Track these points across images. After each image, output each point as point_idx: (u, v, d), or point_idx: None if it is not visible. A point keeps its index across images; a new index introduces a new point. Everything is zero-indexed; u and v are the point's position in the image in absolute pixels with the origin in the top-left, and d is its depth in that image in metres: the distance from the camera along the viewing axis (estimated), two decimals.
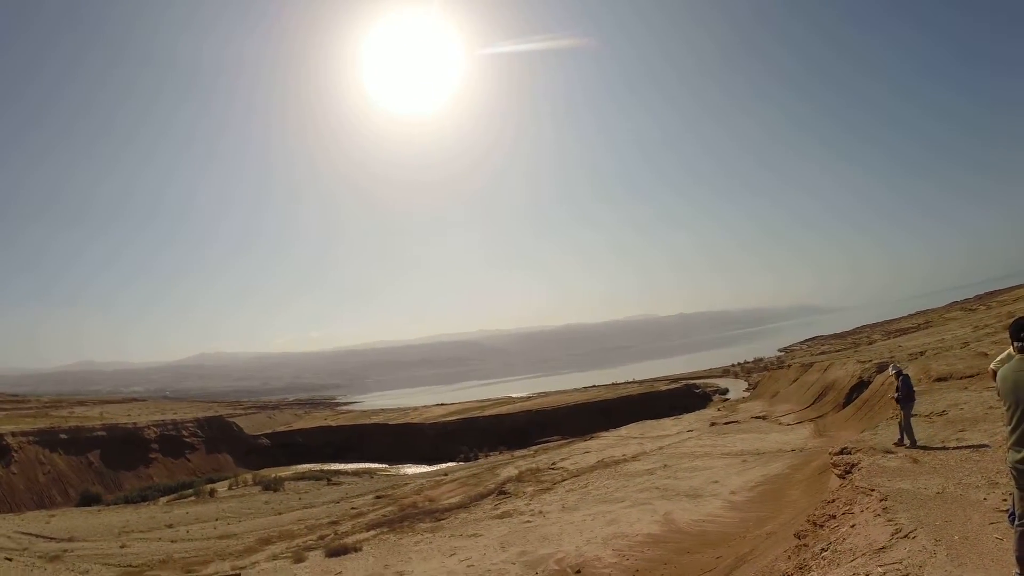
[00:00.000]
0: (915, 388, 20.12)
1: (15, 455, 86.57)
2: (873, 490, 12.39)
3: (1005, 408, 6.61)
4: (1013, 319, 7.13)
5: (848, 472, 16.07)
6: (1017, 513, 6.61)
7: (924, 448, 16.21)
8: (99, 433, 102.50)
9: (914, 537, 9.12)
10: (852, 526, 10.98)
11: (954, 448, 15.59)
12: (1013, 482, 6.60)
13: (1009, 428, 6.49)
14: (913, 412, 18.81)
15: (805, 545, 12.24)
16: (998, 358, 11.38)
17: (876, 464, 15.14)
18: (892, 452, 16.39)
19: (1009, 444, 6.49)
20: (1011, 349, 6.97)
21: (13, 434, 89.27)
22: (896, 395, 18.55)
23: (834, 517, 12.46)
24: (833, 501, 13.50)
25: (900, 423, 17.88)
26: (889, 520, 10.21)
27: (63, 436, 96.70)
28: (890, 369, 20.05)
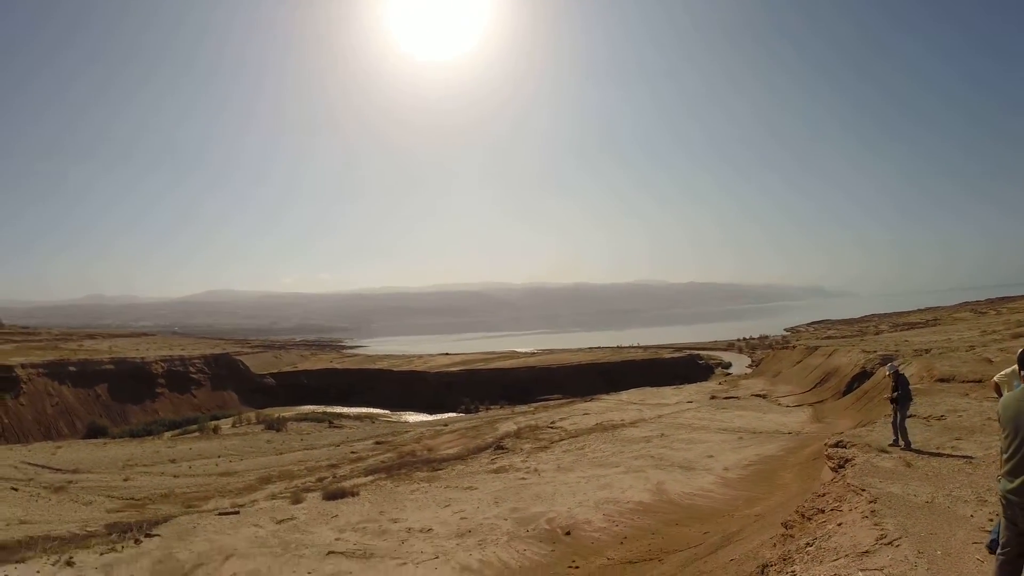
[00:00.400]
0: (917, 386, 20.21)
1: (24, 386, 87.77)
2: (864, 490, 12.52)
3: (1003, 436, 6.46)
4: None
5: (842, 467, 16.15)
6: (1000, 541, 6.55)
7: (919, 452, 16.22)
8: (107, 367, 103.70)
9: (898, 545, 9.22)
10: (839, 524, 11.12)
11: (948, 456, 15.64)
12: (1001, 510, 6.50)
13: (1004, 456, 6.40)
14: (911, 413, 18.86)
15: (791, 536, 12.38)
16: (1002, 372, 11.51)
17: (870, 463, 15.23)
18: (887, 452, 16.39)
19: (1002, 472, 6.41)
20: (1018, 373, 6.95)
21: (23, 366, 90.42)
22: (892, 395, 18.34)
23: (823, 511, 12.58)
24: (824, 495, 13.61)
25: (893, 423, 17.94)
26: (876, 524, 10.33)
27: (72, 369, 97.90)
28: (887, 368, 19.73)
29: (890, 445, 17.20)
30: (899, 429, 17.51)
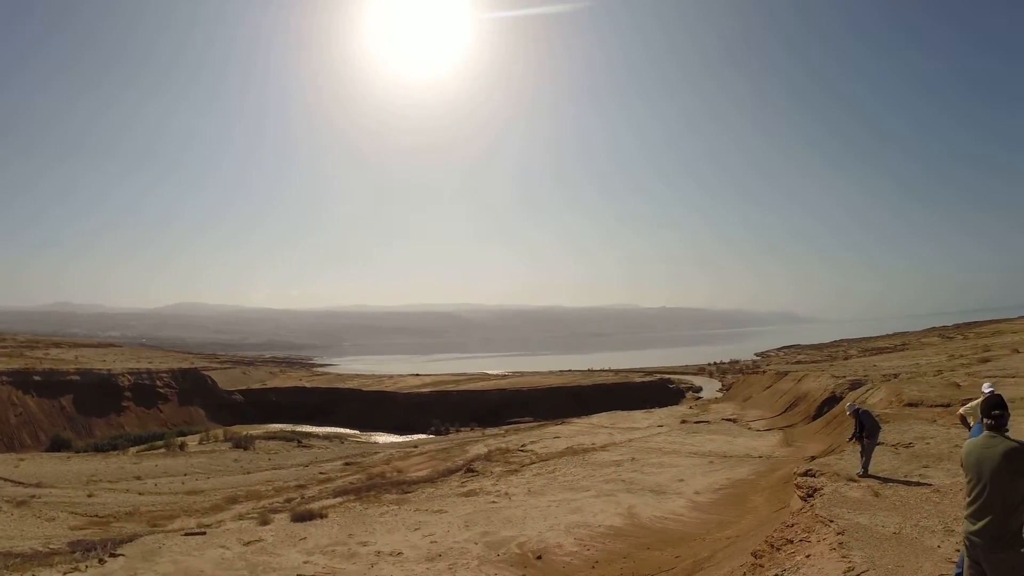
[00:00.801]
0: (886, 411, 20.28)
1: None
2: (832, 521, 12.58)
3: (966, 480, 6.77)
4: (987, 394, 7.33)
5: (810, 496, 16.18)
6: None
7: (886, 480, 16.32)
8: (73, 377, 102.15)
9: None
10: (807, 556, 11.16)
11: (916, 485, 15.76)
12: (964, 550, 6.82)
13: (968, 500, 6.67)
14: (879, 440, 19.00)
15: (760, 566, 12.41)
16: (968, 404, 11.69)
17: (838, 492, 15.32)
18: (855, 481, 16.46)
19: (966, 514, 6.68)
20: (980, 418, 7.07)
21: None
22: (854, 435, 18.29)
23: (791, 542, 12.62)
24: (792, 525, 13.67)
25: (860, 450, 18.04)
26: (843, 556, 10.37)
27: (36, 378, 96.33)
28: (847, 408, 19.67)
29: (858, 474, 17.28)
30: (864, 455, 17.60)
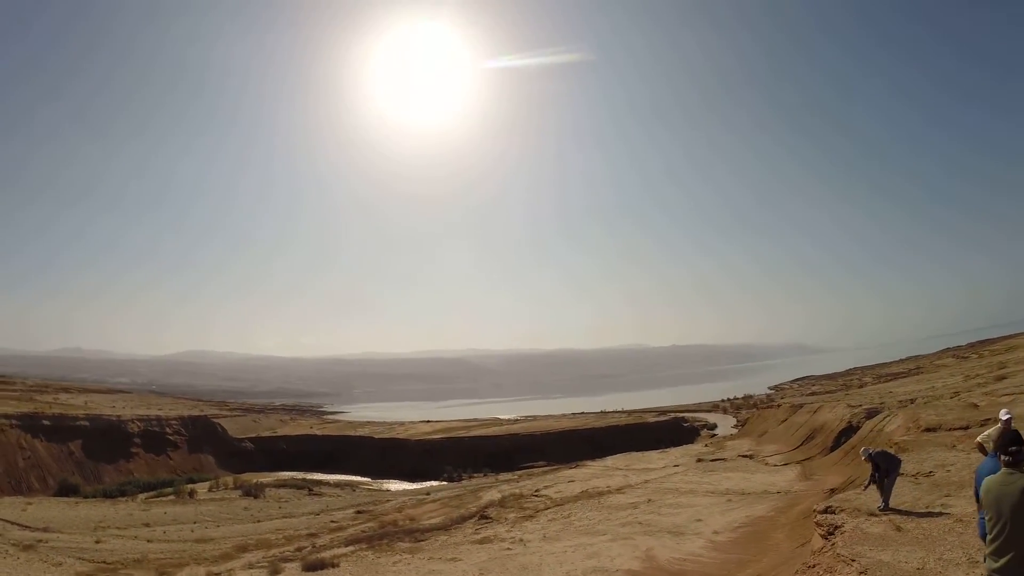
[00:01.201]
0: (904, 438, 19.70)
1: None
2: (854, 560, 12.16)
3: (987, 518, 6.71)
4: (1004, 421, 7.22)
5: (831, 533, 15.69)
6: None
7: (907, 513, 15.91)
8: (82, 423, 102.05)
9: None
10: None
11: (938, 515, 15.28)
12: None
13: (990, 537, 6.63)
14: (900, 471, 18.46)
15: None
16: (985, 432, 11.35)
17: (859, 528, 14.82)
18: (876, 515, 15.98)
19: (987, 552, 6.64)
20: (997, 455, 7.05)
21: None
22: (872, 479, 17.57)
23: None
24: (814, 566, 13.29)
25: (880, 488, 17.43)
26: None
27: (46, 422, 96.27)
28: (862, 453, 18.68)
29: (879, 508, 16.77)
30: (884, 491, 17.06)
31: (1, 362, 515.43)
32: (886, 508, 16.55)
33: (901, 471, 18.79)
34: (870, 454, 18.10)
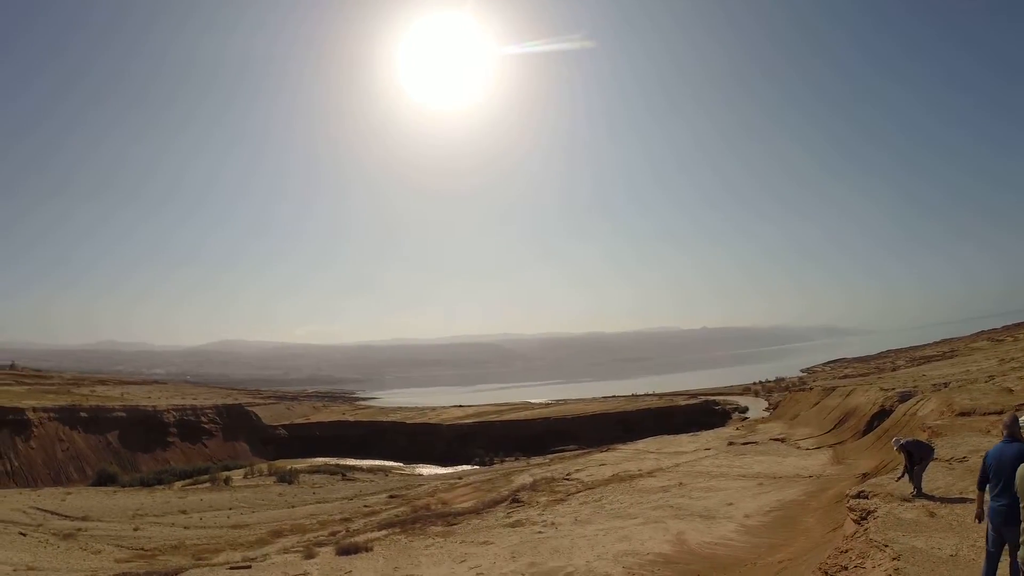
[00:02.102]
0: (938, 422, 19.36)
1: (35, 430, 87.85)
2: (887, 545, 12.01)
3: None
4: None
5: (864, 519, 15.45)
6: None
7: (941, 499, 15.71)
8: (119, 414, 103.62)
9: None
10: None
11: (972, 501, 15.04)
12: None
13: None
14: (934, 457, 18.15)
15: None
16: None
17: (892, 514, 14.60)
18: (909, 501, 15.67)
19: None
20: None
21: (34, 409, 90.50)
22: (905, 471, 17.23)
23: (846, 569, 12.11)
24: (846, 551, 13.14)
25: (911, 477, 17.15)
26: None
27: (83, 414, 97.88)
28: (893, 443, 18.54)
29: (912, 495, 16.53)
30: (915, 477, 16.82)
31: (38, 357, 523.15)
32: (919, 494, 16.35)
33: (935, 457, 18.53)
34: (902, 444, 17.75)
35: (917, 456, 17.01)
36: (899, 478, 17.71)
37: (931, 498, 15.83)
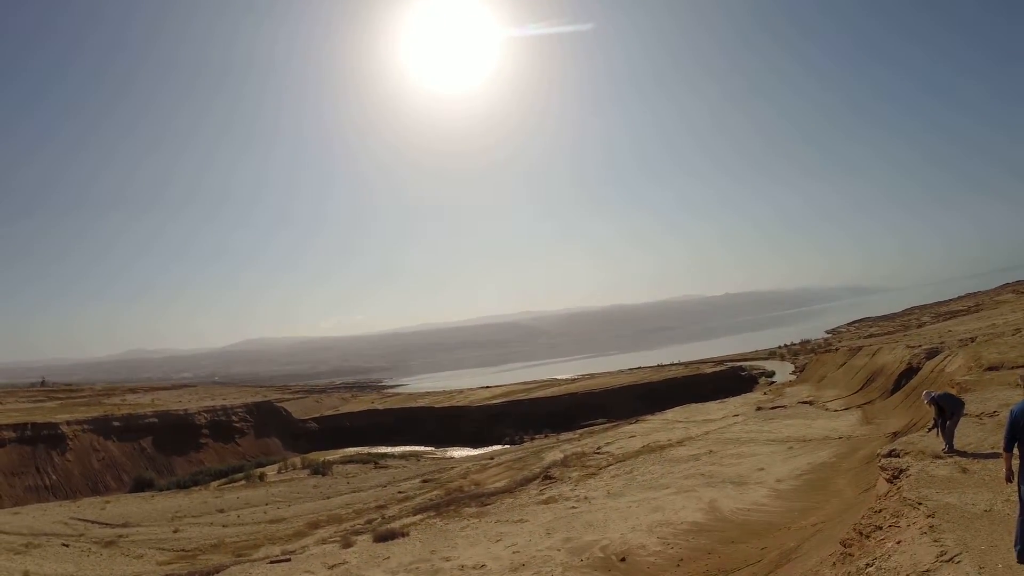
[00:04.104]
0: (966, 377, 19.20)
1: (70, 443, 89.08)
2: (920, 503, 11.97)
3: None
4: None
5: (896, 477, 15.30)
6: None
7: (974, 455, 15.53)
8: (151, 420, 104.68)
9: (959, 562, 8.86)
10: (898, 542, 10.70)
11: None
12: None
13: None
14: (964, 411, 18.00)
15: (850, 555, 12.00)
16: None
17: (925, 472, 14.50)
18: (941, 458, 15.48)
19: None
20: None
21: (68, 423, 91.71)
22: (935, 424, 17.12)
23: (880, 528, 12.12)
24: (880, 511, 13.11)
25: (943, 432, 17.06)
26: (935, 540, 9.90)
27: (116, 424, 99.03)
28: (924, 397, 18.23)
29: (944, 451, 16.45)
30: (947, 433, 16.74)
31: (67, 372, 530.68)
32: (951, 451, 16.28)
33: (964, 412, 18.42)
34: (933, 397, 17.66)
35: (948, 410, 16.91)
36: (929, 430, 17.67)
37: (963, 454, 15.71)
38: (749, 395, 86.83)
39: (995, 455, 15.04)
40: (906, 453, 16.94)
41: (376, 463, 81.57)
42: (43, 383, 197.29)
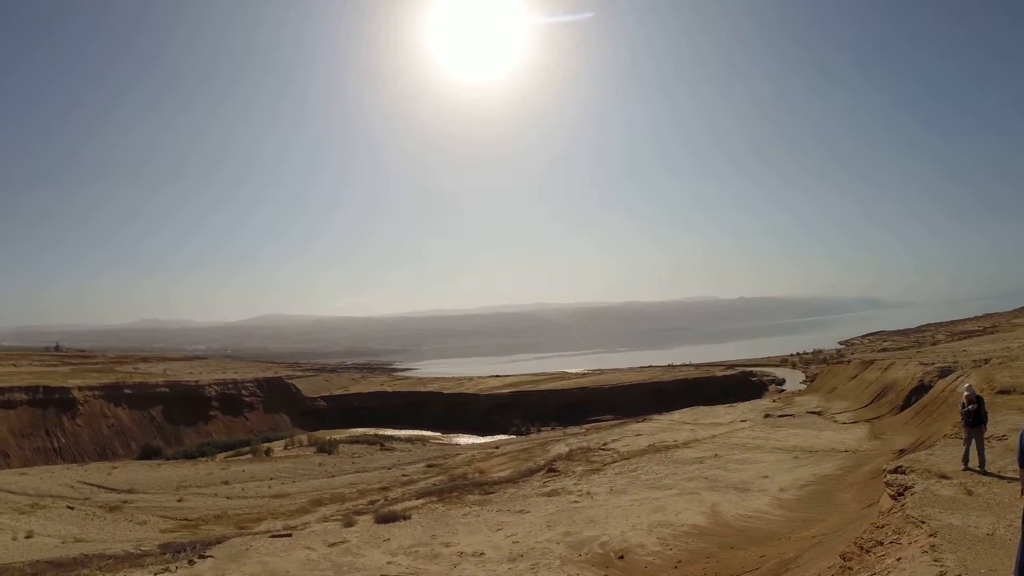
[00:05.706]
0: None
1: (81, 408, 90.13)
2: (924, 522, 12.02)
3: None
4: None
5: (900, 494, 15.41)
6: None
7: (980, 477, 15.60)
8: (162, 389, 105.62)
9: None
10: (898, 559, 10.74)
11: (1010, 480, 14.96)
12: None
13: None
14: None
15: (849, 568, 12.01)
16: None
17: (930, 490, 14.61)
18: (947, 478, 15.54)
19: None
20: None
21: (80, 388, 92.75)
22: (969, 416, 16.99)
23: (881, 544, 12.14)
24: (882, 527, 13.14)
25: (969, 442, 16.95)
26: (935, 560, 9.95)
27: (127, 391, 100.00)
28: (966, 390, 18.33)
29: (963, 470, 16.33)
30: (979, 449, 16.63)
31: (81, 338, 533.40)
32: (983, 468, 16.12)
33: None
34: (976, 396, 17.57)
35: (983, 412, 16.85)
36: (969, 420, 17.25)
37: (970, 475, 15.79)
38: (758, 401, 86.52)
39: (1001, 478, 15.09)
40: (912, 470, 16.98)
41: (382, 445, 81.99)
42: (57, 348, 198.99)
